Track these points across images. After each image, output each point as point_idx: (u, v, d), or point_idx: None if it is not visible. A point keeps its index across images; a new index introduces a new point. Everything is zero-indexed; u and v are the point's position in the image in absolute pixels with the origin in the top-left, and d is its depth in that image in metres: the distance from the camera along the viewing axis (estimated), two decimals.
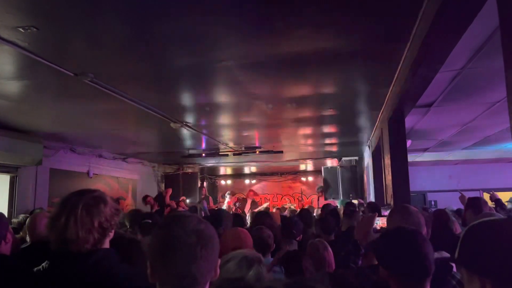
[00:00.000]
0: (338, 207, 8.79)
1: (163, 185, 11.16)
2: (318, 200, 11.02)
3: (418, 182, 12.57)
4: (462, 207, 6.26)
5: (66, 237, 1.49)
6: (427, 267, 1.60)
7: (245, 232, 2.61)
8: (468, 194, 4.73)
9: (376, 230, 2.35)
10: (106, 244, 1.59)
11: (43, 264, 1.54)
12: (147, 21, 2.67)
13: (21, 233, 4.06)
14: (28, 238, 3.65)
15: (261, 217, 4.02)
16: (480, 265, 1.13)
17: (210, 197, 11.69)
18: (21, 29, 2.63)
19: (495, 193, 4.95)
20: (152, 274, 1.24)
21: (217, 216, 3.72)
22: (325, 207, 6.02)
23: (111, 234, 1.62)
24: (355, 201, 8.70)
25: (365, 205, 6.48)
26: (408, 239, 1.67)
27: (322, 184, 10.49)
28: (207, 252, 1.23)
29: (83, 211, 1.52)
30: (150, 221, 3.89)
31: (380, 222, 2.37)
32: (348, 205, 5.78)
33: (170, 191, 8.50)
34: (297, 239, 3.58)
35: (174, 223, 1.26)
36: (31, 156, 6.34)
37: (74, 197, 1.57)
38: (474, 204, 4.08)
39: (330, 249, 3.01)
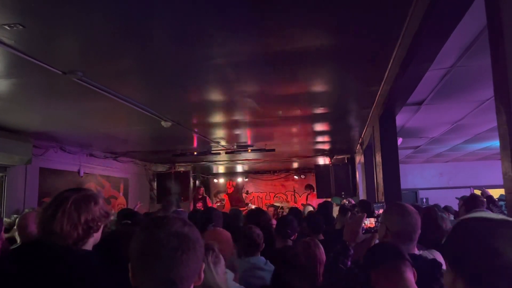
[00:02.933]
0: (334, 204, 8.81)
1: (155, 184, 11.11)
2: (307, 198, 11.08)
3: (410, 179, 12.67)
4: (449, 204, 6.37)
5: (51, 229, 1.49)
6: None
7: (224, 233, 2.59)
8: (459, 192, 4.79)
9: (364, 231, 2.35)
10: (89, 245, 1.58)
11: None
12: (137, 19, 2.64)
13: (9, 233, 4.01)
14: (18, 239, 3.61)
15: (256, 215, 4.02)
16: (454, 260, 1.15)
17: (207, 197, 11.71)
18: (6, 27, 2.58)
19: (486, 190, 5.00)
20: (132, 277, 1.19)
21: (207, 214, 3.72)
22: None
23: (96, 236, 1.60)
24: (344, 201, 8.73)
25: (354, 204, 6.50)
26: None
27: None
28: (189, 257, 1.16)
29: (72, 206, 1.53)
30: (129, 221, 3.90)
31: (368, 222, 2.36)
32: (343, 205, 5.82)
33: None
34: (292, 238, 3.57)
35: (156, 225, 1.20)
36: (20, 156, 6.27)
37: (66, 193, 1.59)
38: (469, 202, 4.18)
39: (321, 247, 3.01)
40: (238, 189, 12.19)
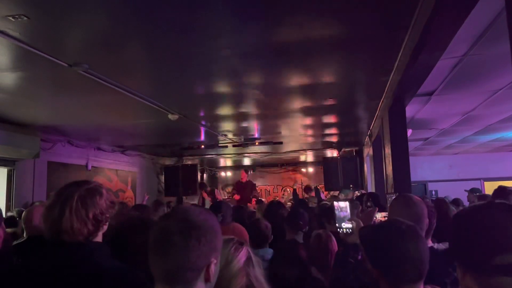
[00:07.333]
0: (342, 196, 8.76)
1: (163, 177, 11.12)
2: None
3: (419, 172, 12.56)
4: (459, 197, 6.31)
5: (61, 228, 1.48)
6: (420, 271, 1.48)
7: (239, 227, 2.59)
8: (468, 184, 4.72)
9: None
10: (99, 238, 1.57)
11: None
12: (143, 10, 2.61)
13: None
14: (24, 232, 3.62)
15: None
16: (455, 253, 1.13)
17: (216, 190, 11.58)
18: (11, 18, 2.56)
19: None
20: (151, 267, 1.20)
21: (216, 204, 3.79)
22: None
23: (105, 227, 1.60)
24: (356, 193, 8.67)
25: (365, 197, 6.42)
26: (402, 237, 1.52)
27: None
28: (201, 244, 1.17)
29: (78, 203, 1.51)
30: None
31: (380, 216, 2.32)
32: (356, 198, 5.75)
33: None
34: (303, 230, 3.54)
35: (171, 215, 1.24)
36: (28, 149, 6.30)
37: (69, 188, 1.56)
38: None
39: (334, 239, 2.97)
40: (251, 184, 11.03)
